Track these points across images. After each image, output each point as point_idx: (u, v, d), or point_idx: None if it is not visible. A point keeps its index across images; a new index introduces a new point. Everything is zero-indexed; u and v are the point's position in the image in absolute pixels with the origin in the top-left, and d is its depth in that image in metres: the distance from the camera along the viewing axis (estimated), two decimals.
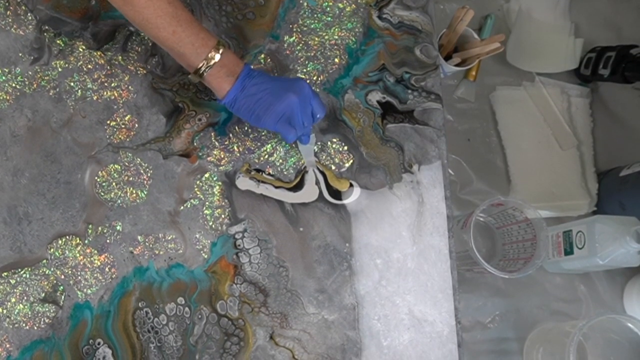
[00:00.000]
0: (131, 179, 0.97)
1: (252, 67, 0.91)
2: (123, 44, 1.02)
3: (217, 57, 0.87)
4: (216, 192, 0.98)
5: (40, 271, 0.93)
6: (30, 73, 0.99)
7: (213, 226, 0.97)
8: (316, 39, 1.06)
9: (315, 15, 1.07)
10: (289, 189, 0.99)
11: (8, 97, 0.98)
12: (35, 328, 0.91)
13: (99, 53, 1.01)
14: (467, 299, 1.72)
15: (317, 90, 1.04)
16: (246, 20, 1.05)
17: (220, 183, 0.99)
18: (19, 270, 0.93)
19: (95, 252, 0.94)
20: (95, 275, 0.94)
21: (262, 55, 1.04)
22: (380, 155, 1.02)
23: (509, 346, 1.72)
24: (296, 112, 0.90)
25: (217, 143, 1.00)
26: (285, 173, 1.00)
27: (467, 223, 1.55)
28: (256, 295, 0.95)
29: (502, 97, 1.89)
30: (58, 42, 1.01)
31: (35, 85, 0.99)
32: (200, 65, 0.87)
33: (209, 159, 0.99)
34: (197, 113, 1.00)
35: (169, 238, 0.96)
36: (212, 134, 1.00)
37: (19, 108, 0.97)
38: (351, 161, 1.01)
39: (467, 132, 1.87)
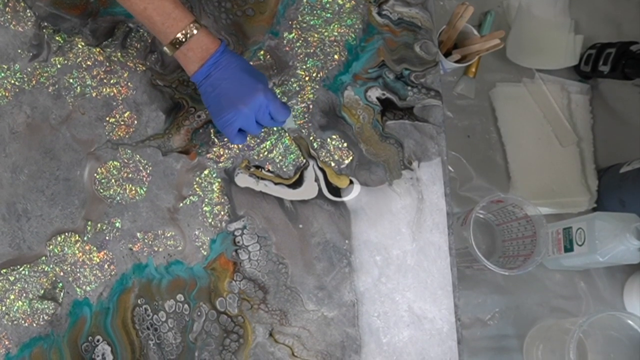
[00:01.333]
0: (130, 175, 0.97)
1: (224, 49, 0.90)
2: (122, 40, 1.02)
3: (189, 36, 0.87)
4: (215, 189, 0.98)
5: (39, 268, 0.93)
6: (29, 69, 0.99)
7: (212, 223, 0.97)
8: (316, 35, 1.06)
9: (315, 12, 1.07)
10: (289, 186, 0.99)
11: (7, 94, 0.98)
12: (34, 325, 0.91)
13: (98, 50, 1.01)
14: (466, 296, 1.72)
15: (317, 87, 1.04)
16: (245, 17, 1.05)
17: (219, 180, 0.98)
18: (18, 267, 0.93)
19: (95, 249, 0.94)
20: (95, 272, 0.94)
21: (262, 52, 1.04)
22: (380, 152, 1.02)
23: (508, 343, 1.72)
24: (246, 122, 0.91)
25: (216, 140, 1.00)
26: (284, 170, 1.00)
27: (467, 220, 1.55)
28: (255, 292, 0.95)
29: (502, 94, 1.89)
30: (57, 38, 1.00)
31: (34, 82, 0.98)
32: (169, 43, 0.88)
33: (208, 155, 0.99)
34: (197, 110, 1.00)
35: (168, 235, 0.96)
36: (212, 130, 1.00)
37: (18, 105, 0.97)
38: (351, 158, 1.01)
39: (467, 129, 1.87)
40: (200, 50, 0.88)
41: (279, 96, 1.03)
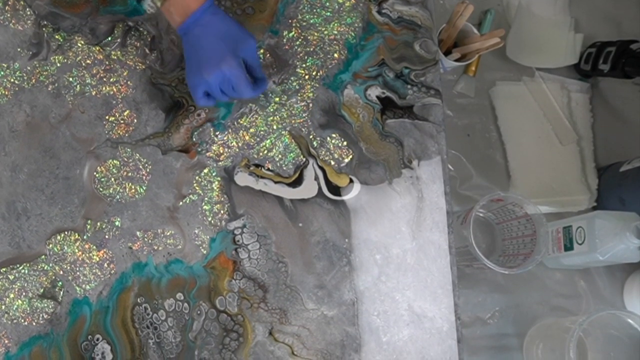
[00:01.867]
0: (130, 174, 0.97)
1: (206, 8, 0.90)
2: (122, 39, 1.02)
3: None
4: (215, 188, 0.98)
5: (39, 267, 0.93)
6: (28, 68, 0.99)
7: (212, 222, 0.97)
8: (315, 34, 1.06)
9: (315, 10, 1.07)
10: (288, 185, 0.99)
11: (7, 92, 0.97)
12: (34, 324, 0.91)
13: (97, 48, 1.01)
14: (466, 295, 1.72)
15: (317, 85, 1.03)
16: (245, 15, 1.05)
17: (219, 178, 0.98)
18: (18, 265, 0.93)
19: (94, 247, 0.94)
20: (94, 270, 0.94)
21: (262, 51, 1.04)
22: (380, 150, 1.02)
23: (508, 342, 1.72)
24: (210, 89, 0.91)
25: (216, 138, 1.00)
26: (284, 168, 1.00)
27: (467, 219, 1.55)
28: (255, 291, 0.95)
29: (502, 92, 1.89)
30: (57, 37, 1.00)
31: (34, 81, 0.98)
32: None
33: (208, 154, 0.99)
34: (196, 108, 1.00)
35: (168, 234, 0.96)
36: (211, 129, 1.00)
37: (18, 103, 0.97)
38: (350, 156, 1.01)
39: (467, 128, 1.86)
40: (181, 7, 0.89)
41: (279, 94, 1.03)
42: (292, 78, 1.03)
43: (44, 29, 1.00)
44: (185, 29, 0.90)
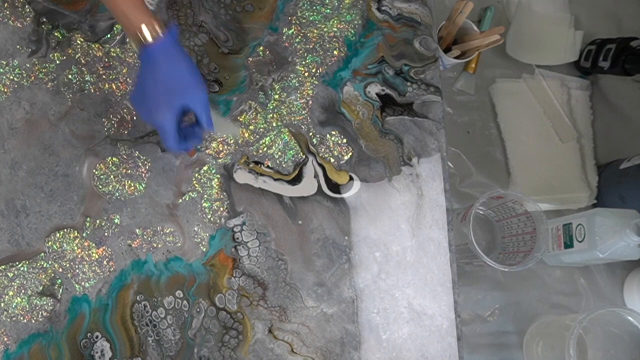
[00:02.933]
0: (129, 171, 0.97)
1: (160, 44, 0.82)
2: (121, 36, 1.02)
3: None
4: (215, 185, 0.98)
5: (38, 264, 0.93)
6: (28, 65, 0.99)
7: (211, 219, 0.97)
8: (315, 31, 1.06)
9: (314, 8, 1.06)
10: (288, 182, 0.99)
11: (6, 90, 0.97)
12: (33, 321, 0.91)
13: (96, 45, 1.01)
14: (466, 292, 1.72)
15: (316, 83, 1.03)
16: (245, 12, 1.05)
17: (218, 176, 0.98)
18: (17, 263, 0.93)
19: (93, 245, 0.94)
20: (93, 268, 0.94)
21: (261, 48, 1.04)
22: (380, 147, 1.02)
23: (508, 339, 1.72)
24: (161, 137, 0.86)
25: (215, 136, 1.00)
26: (284, 165, 1.00)
27: (467, 216, 1.55)
28: (255, 289, 0.95)
29: (502, 90, 1.89)
30: (56, 34, 1.00)
31: (33, 78, 0.98)
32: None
33: (207, 151, 0.99)
34: None
35: (167, 231, 0.96)
36: None
37: (17, 100, 0.97)
38: (350, 154, 1.01)
39: (467, 125, 1.86)
40: (135, 38, 0.81)
41: (278, 91, 1.03)
42: (291, 75, 1.03)
43: (43, 26, 1.00)
44: (141, 59, 0.83)
